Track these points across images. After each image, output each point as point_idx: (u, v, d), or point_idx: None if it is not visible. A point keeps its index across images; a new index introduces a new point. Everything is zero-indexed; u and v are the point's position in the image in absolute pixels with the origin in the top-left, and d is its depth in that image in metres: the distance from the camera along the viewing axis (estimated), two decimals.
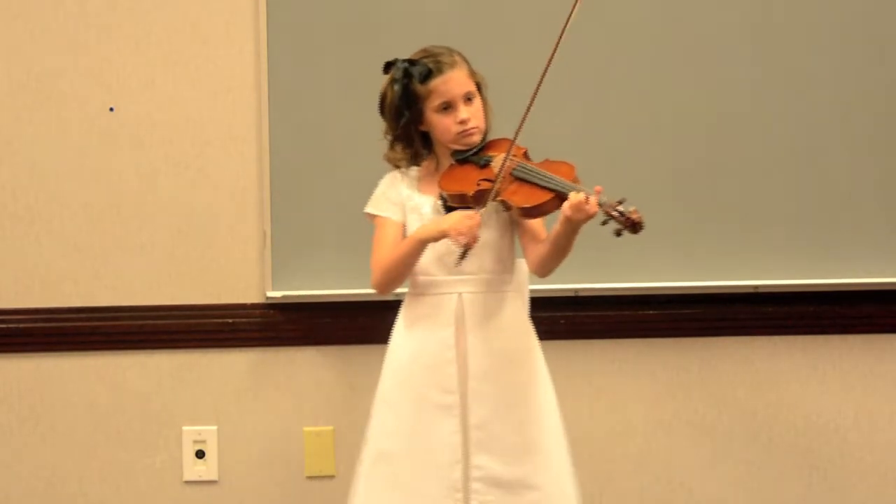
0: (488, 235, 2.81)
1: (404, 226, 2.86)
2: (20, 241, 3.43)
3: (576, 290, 3.45)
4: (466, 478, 2.79)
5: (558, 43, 2.72)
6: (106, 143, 3.43)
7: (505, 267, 2.85)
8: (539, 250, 2.78)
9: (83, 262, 3.44)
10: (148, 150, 3.43)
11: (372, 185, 3.38)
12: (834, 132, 3.47)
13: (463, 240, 2.69)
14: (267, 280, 3.42)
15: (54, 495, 3.48)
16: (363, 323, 3.44)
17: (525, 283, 2.94)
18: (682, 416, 3.54)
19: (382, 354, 3.44)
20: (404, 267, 2.81)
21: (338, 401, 3.47)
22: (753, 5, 3.44)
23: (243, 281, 3.46)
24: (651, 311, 3.50)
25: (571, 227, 2.67)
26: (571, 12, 2.71)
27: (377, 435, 2.84)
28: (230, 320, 3.46)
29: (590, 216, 2.63)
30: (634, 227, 2.61)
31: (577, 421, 3.51)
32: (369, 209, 2.89)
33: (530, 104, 2.72)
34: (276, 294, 3.42)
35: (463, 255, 2.72)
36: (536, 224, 2.82)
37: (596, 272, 3.44)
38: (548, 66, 2.72)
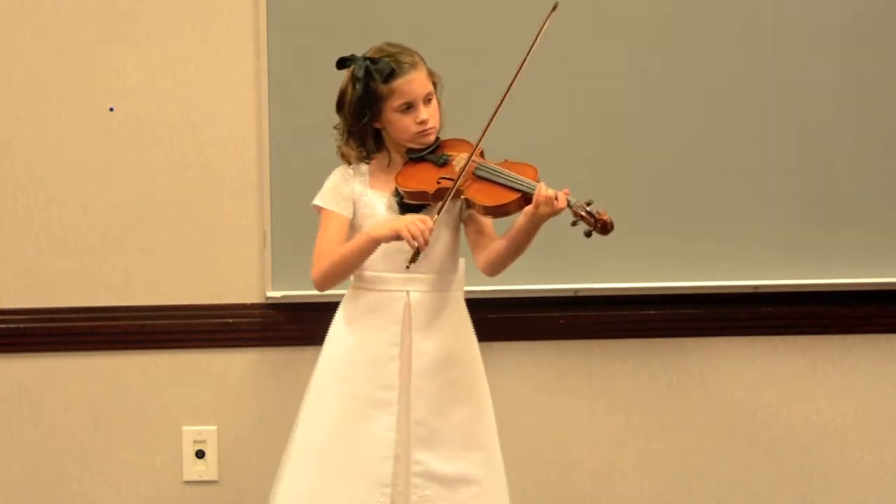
0: (439, 234, 2.83)
1: (351, 222, 2.88)
2: (20, 241, 3.43)
3: (576, 290, 3.44)
4: (407, 472, 2.83)
5: (528, 54, 2.76)
6: (106, 143, 3.42)
7: (451, 266, 2.88)
8: (494, 248, 2.81)
9: (83, 262, 3.44)
10: (148, 150, 3.43)
11: None
12: (834, 132, 3.47)
13: (415, 242, 2.70)
14: (267, 280, 3.42)
15: (54, 495, 3.48)
16: None
17: (463, 282, 2.94)
18: (682, 416, 3.54)
19: None
20: (353, 264, 2.83)
21: None
22: (753, 4, 3.44)
23: (243, 281, 3.46)
24: (651, 311, 3.50)
25: (534, 223, 2.70)
26: (544, 24, 2.76)
27: (307, 426, 2.87)
28: (230, 320, 3.46)
29: (556, 211, 2.66)
30: (605, 227, 2.63)
31: (577, 421, 3.52)
32: (318, 202, 2.90)
33: (495, 112, 2.77)
34: (276, 294, 3.42)
35: (414, 258, 2.73)
36: (488, 223, 2.85)
37: (596, 272, 3.44)
38: (515, 76, 2.76)
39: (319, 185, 3.39)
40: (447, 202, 2.77)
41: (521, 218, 2.73)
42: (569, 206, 2.65)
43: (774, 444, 3.55)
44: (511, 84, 2.76)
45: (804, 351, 3.54)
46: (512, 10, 3.39)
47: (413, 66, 2.82)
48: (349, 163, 2.90)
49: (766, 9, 3.44)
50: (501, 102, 2.77)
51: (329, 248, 2.85)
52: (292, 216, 3.39)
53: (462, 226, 2.90)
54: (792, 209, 3.47)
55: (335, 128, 2.90)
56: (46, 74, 3.41)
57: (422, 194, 2.79)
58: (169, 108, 3.42)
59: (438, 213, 2.76)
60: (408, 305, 2.83)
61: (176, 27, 3.41)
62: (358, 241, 2.81)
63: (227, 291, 3.46)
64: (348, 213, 2.88)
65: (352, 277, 2.89)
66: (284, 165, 3.40)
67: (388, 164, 2.88)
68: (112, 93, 3.42)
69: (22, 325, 3.44)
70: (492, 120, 2.77)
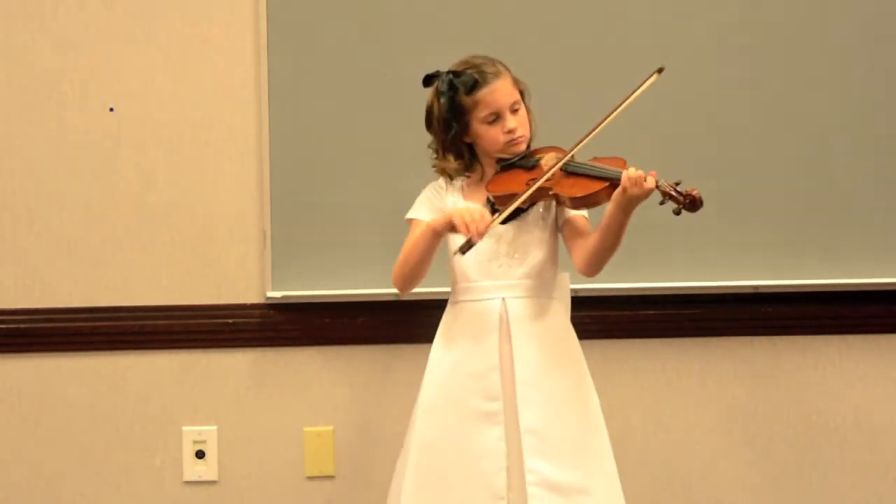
0: (533, 238, 2.81)
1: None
2: (20, 241, 3.43)
3: (576, 291, 3.43)
4: (520, 483, 2.75)
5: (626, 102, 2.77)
6: (106, 143, 3.43)
7: (548, 272, 2.84)
8: (588, 243, 2.76)
9: (83, 262, 3.44)
10: (148, 150, 3.43)
11: (372, 185, 3.39)
12: (835, 132, 3.47)
13: (465, 230, 2.65)
14: (267, 280, 3.42)
15: (54, 495, 3.48)
16: (363, 323, 3.44)
17: (567, 294, 2.92)
18: (682, 416, 3.54)
19: (382, 355, 3.46)
20: (418, 259, 2.77)
21: (338, 401, 3.47)
22: (757, 6, 3.44)
23: (243, 281, 3.46)
24: (651, 311, 3.49)
25: (624, 207, 2.65)
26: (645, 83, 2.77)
27: (420, 444, 2.82)
28: (230, 320, 3.46)
29: (645, 191, 2.63)
30: (693, 203, 2.62)
31: None
32: (411, 215, 2.86)
33: (595, 129, 2.74)
34: (276, 294, 3.42)
35: (465, 248, 2.67)
36: (583, 224, 2.81)
37: None
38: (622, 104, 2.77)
39: (319, 185, 3.41)
40: (532, 194, 2.71)
41: (609, 206, 2.67)
42: (657, 186, 2.63)
43: (774, 444, 3.55)
44: (613, 112, 2.76)
45: (804, 351, 3.54)
46: (511, 10, 3.39)
47: (496, 75, 2.79)
48: (450, 177, 2.86)
49: (766, 8, 3.44)
50: (597, 127, 2.74)
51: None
52: (292, 216, 3.40)
53: (560, 233, 2.85)
54: (792, 209, 3.47)
55: (429, 146, 2.87)
56: (46, 74, 3.41)
57: (512, 196, 2.74)
58: (169, 108, 3.43)
59: (519, 205, 2.71)
60: (504, 312, 2.79)
61: (176, 27, 3.42)
62: (420, 233, 2.77)
63: (227, 291, 3.46)
64: None
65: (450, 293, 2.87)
66: (284, 166, 3.40)
67: (482, 178, 2.85)
68: (112, 93, 3.42)
69: (22, 325, 3.44)
70: (583, 139, 2.74)
